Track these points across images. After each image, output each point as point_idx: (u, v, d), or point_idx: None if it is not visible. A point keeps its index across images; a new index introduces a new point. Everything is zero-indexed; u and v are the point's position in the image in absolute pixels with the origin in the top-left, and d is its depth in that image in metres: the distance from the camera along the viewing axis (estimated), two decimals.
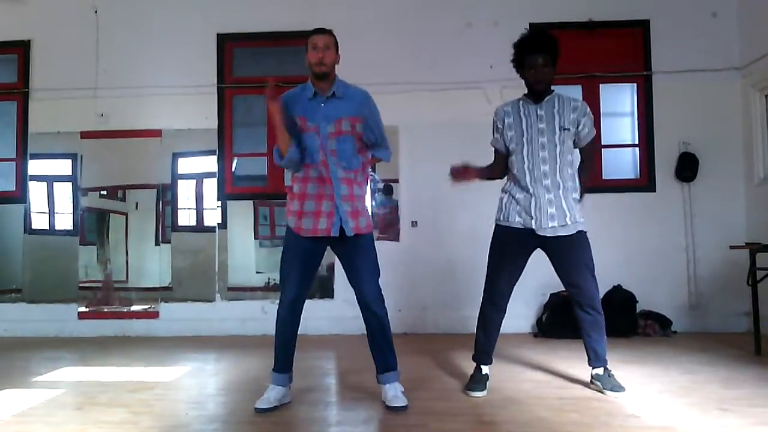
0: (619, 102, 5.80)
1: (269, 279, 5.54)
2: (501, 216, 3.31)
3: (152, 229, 5.73)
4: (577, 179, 3.27)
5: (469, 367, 3.85)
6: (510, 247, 3.26)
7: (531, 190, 3.19)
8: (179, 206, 5.78)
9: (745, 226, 5.29)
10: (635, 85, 5.60)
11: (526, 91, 3.32)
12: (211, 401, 3.28)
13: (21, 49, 5.76)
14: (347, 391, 3.34)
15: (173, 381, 3.66)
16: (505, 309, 3.34)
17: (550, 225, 3.17)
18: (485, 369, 3.38)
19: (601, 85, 5.58)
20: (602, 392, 3.20)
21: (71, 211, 5.78)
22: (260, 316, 5.44)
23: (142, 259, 5.75)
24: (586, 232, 3.28)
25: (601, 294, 5.15)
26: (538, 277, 5.26)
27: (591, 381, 3.32)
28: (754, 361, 3.98)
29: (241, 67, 5.81)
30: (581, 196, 3.29)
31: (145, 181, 5.72)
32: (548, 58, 3.20)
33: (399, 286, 5.32)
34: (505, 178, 3.39)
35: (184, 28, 5.71)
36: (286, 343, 3.11)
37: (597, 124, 5.47)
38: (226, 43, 5.71)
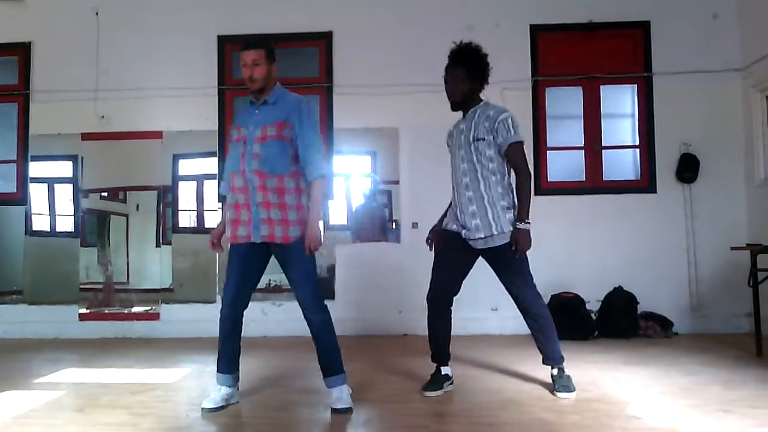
0: (620, 103, 5.80)
1: (269, 280, 5.53)
2: (444, 223, 3.40)
3: (153, 230, 5.73)
4: (512, 193, 3.27)
5: (469, 368, 3.86)
6: (452, 245, 3.29)
7: (457, 201, 3.29)
8: (180, 208, 5.78)
9: (746, 227, 5.28)
10: (636, 86, 5.60)
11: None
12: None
13: (22, 51, 5.77)
14: (351, 395, 3.33)
15: (174, 382, 3.66)
16: (448, 308, 3.39)
17: (477, 236, 3.21)
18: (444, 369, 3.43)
19: (601, 86, 5.58)
20: (553, 393, 3.24)
21: (72, 212, 5.78)
22: (260, 318, 5.44)
23: (143, 260, 5.75)
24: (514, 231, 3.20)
25: (602, 295, 5.25)
26: (538, 279, 5.22)
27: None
28: (755, 363, 3.97)
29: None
30: (518, 210, 3.20)
31: (146, 182, 5.72)
32: (461, 71, 3.26)
33: (399, 287, 5.32)
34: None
35: (184, 30, 5.71)
36: (225, 341, 3.14)
37: (597, 125, 5.54)
38: (227, 45, 5.71)
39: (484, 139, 3.19)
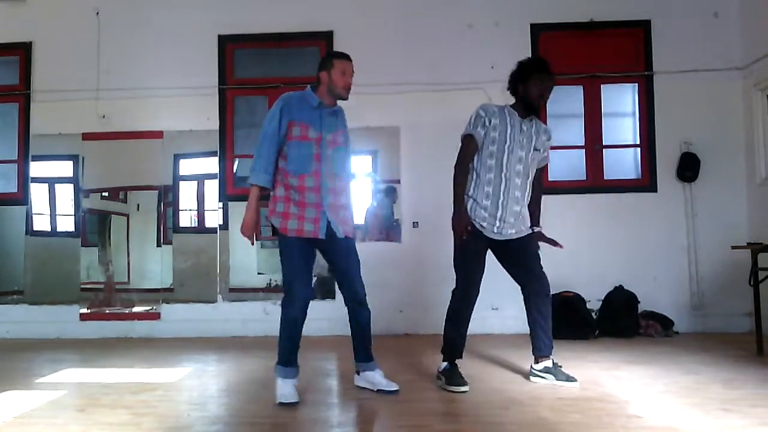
0: (621, 102, 5.80)
1: (271, 280, 5.54)
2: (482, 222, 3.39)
3: (154, 230, 5.73)
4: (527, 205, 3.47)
5: (471, 368, 3.85)
6: (478, 246, 3.39)
7: (501, 200, 3.32)
8: (181, 207, 5.79)
9: (747, 226, 5.28)
10: (636, 85, 5.60)
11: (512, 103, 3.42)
12: (213, 402, 3.28)
13: (22, 51, 5.77)
14: (349, 392, 3.34)
15: (175, 382, 3.66)
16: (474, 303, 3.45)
17: (509, 232, 3.37)
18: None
19: (602, 85, 5.59)
20: (555, 383, 3.38)
21: (73, 212, 5.79)
22: (262, 317, 5.45)
23: (144, 260, 5.76)
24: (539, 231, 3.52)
25: (603, 294, 5.24)
26: None
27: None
28: (756, 362, 3.97)
29: (243, 69, 5.81)
30: (537, 216, 3.53)
31: (147, 182, 5.72)
32: (553, 83, 3.41)
33: (400, 286, 5.33)
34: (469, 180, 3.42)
35: (185, 30, 5.71)
36: (298, 337, 3.29)
37: (598, 124, 5.56)
38: (228, 45, 5.71)
39: (539, 151, 3.41)
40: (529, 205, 3.46)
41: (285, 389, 3.14)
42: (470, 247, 3.35)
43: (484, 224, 3.34)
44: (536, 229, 3.47)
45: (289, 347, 3.21)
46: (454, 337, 3.43)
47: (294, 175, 3.12)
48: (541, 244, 3.47)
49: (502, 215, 3.33)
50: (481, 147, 3.34)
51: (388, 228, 5.59)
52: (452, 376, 3.35)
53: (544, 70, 3.35)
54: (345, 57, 3.27)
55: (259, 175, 3.12)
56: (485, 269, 3.40)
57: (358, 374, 3.40)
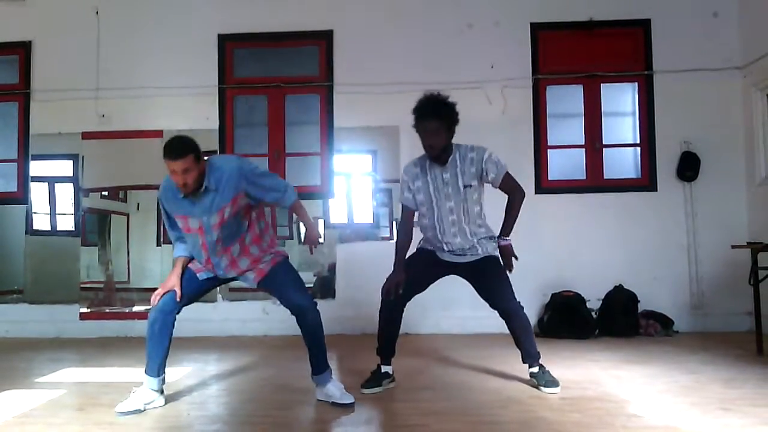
0: (621, 101, 5.79)
1: None
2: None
3: (154, 229, 5.73)
4: (486, 221, 3.45)
5: (470, 367, 3.85)
6: (425, 259, 3.46)
7: (438, 235, 3.38)
8: None
9: (747, 226, 5.28)
10: (636, 84, 5.60)
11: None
12: (212, 402, 3.28)
13: (22, 50, 5.76)
14: (348, 392, 3.33)
15: (175, 381, 3.66)
16: (402, 310, 3.50)
17: (457, 256, 3.39)
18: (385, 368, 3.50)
19: (602, 84, 5.58)
20: (538, 389, 3.33)
21: (73, 211, 5.79)
22: (261, 317, 5.45)
23: (144, 259, 5.75)
24: (497, 257, 3.42)
25: (603, 293, 5.24)
26: (539, 278, 5.29)
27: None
28: (756, 361, 3.97)
29: (242, 68, 5.80)
30: (506, 233, 3.38)
31: (147, 181, 5.70)
32: (440, 124, 3.21)
33: None
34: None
35: (185, 29, 5.71)
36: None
37: (597, 123, 5.54)
38: (227, 44, 5.71)
39: (471, 186, 3.31)
40: (505, 216, 3.39)
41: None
42: (418, 261, 3.44)
43: (432, 248, 3.44)
44: (501, 242, 3.36)
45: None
46: (380, 337, 3.50)
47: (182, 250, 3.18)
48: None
49: (443, 243, 3.38)
50: (416, 205, 3.42)
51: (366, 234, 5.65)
52: (369, 378, 3.41)
53: (423, 113, 3.22)
54: (169, 154, 2.83)
55: (177, 248, 3.18)
56: (414, 296, 3.45)
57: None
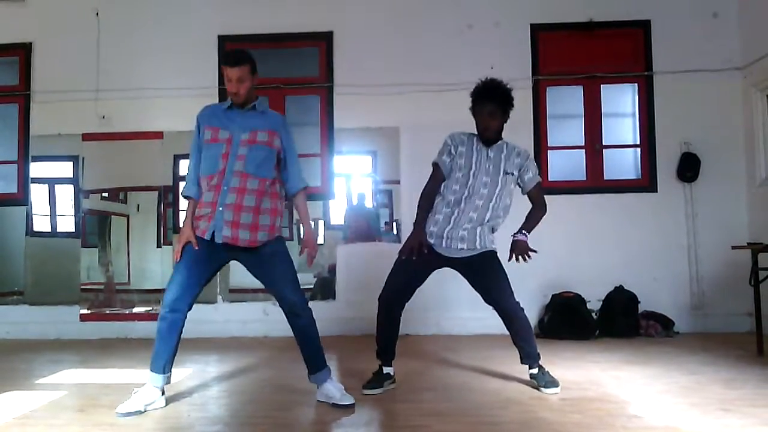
0: (621, 102, 5.80)
1: None
2: (440, 240, 3.35)
3: (154, 231, 5.73)
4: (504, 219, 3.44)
5: (471, 368, 3.85)
6: (419, 266, 3.36)
7: (454, 215, 3.31)
8: (181, 208, 5.77)
9: (747, 227, 5.28)
10: (636, 85, 5.61)
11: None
12: (213, 403, 3.28)
13: (22, 52, 5.77)
14: (349, 393, 3.33)
15: (175, 383, 3.64)
16: (400, 311, 3.45)
17: (458, 247, 3.32)
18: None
19: (602, 85, 5.58)
20: (538, 390, 3.31)
21: (73, 213, 5.79)
22: (262, 318, 5.45)
23: (144, 261, 5.76)
24: (495, 252, 3.40)
25: (603, 294, 5.24)
26: (539, 279, 5.29)
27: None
28: (756, 362, 3.97)
29: None
30: (527, 230, 3.37)
31: (147, 183, 5.72)
32: (498, 107, 3.27)
33: None
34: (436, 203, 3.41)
35: (185, 30, 5.71)
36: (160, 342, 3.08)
37: (597, 124, 5.55)
38: (227, 45, 5.70)
39: (513, 174, 3.37)
40: (527, 217, 3.42)
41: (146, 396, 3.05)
42: (411, 264, 3.34)
43: (432, 240, 3.34)
44: (518, 236, 3.32)
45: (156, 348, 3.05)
46: (379, 340, 3.48)
47: (204, 177, 3.04)
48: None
49: (449, 232, 3.30)
50: (449, 173, 3.37)
51: (372, 230, 5.64)
52: (371, 379, 3.40)
53: (483, 96, 3.28)
54: (228, 61, 2.98)
55: (188, 187, 3.10)
56: (414, 292, 3.42)
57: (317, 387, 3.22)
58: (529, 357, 3.40)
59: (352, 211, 5.72)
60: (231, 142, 3.00)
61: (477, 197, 3.30)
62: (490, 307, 3.40)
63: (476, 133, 3.37)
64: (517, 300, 3.36)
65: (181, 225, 3.14)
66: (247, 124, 3.04)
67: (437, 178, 3.41)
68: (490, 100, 3.26)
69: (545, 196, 3.50)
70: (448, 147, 3.39)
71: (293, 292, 3.11)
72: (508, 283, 3.35)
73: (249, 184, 2.98)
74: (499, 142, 3.38)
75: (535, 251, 3.28)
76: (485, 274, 3.35)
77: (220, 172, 2.98)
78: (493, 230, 3.40)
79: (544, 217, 3.45)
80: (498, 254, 3.39)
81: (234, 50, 3.10)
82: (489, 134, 3.30)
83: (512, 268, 3.39)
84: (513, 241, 3.32)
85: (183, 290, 3.00)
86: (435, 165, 3.43)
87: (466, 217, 3.30)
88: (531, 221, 3.40)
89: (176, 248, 3.06)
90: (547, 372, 3.37)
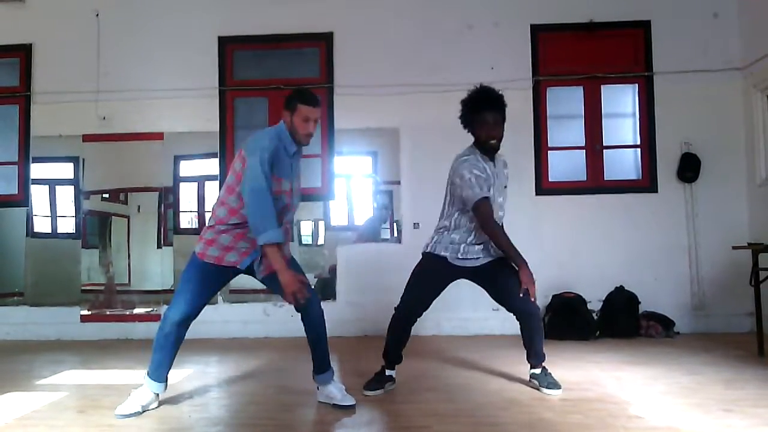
0: (621, 103, 5.79)
1: None
2: (456, 254, 3.34)
3: (154, 231, 5.73)
4: None
5: (472, 369, 3.85)
6: (438, 276, 3.41)
7: (470, 241, 3.32)
8: (181, 209, 5.79)
9: (748, 227, 5.28)
10: (636, 85, 5.60)
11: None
12: (214, 404, 3.28)
13: (23, 53, 5.77)
14: (349, 393, 3.33)
15: (176, 383, 3.65)
16: (414, 323, 3.50)
17: (475, 257, 3.36)
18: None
19: (602, 86, 5.58)
20: (539, 390, 3.32)
21: (73, 214, 5.79)
22: (262, 319, 5.45)
23: (144, 262, 5.76)
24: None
25: (604, 295, 5.24)
26: (540, 280, 5.24)
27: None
28: (757, 362, 3.97)
29: (243, 70, 5.81)
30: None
31: (147, 183, 5.72)
32: (501, 116, 3.26)
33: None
34: (452, 221, 3.36)
35: (185, 31, 5.71)
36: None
37: (598, 124, 5.55)
38: (227, 46, 5.71)
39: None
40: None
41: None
42: (431, 274, 3.37)
43: (447, 253, 3.33)
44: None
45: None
46: (391, 347, 3.49)
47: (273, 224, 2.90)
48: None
49: (467, 247, 3.32)
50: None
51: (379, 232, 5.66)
52: (372, 380, 3.41)
53: (483, 105, 3.21)
54: (310, 101, 2.98)
55: (274, 232, 2.85)
56: (434, 302, 3.45)
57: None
58: (537, 356, 3.39)
59: (371, 218, 5.76)
60: (291, 194, 3.04)
61: (500, 215, 3.36)
62: (491, 308, 3.40)
63: (473, 149, 3.31)
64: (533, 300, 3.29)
65: (214, 243, 3.03)
66: (296, 168, 3.10)
67: (490, 210, 3.22)
68: (491, 109, 3.22)
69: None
70: (481, 177, 3.22)
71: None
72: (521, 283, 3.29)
73: (290, 223, 3.13)
74: (497, 155, 3.36)
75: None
76: (502, 279, 3.31)
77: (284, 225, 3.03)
78: None
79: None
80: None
81: (308, 90, 3.08)
82: (496, 144, 3.26)
83: None
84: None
85: (192, 309, 3.05)
86: (486, 199, 3.21)
87: (482, 236, 3.30)
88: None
89: (303, 292, 2.91)
90: (550, 373, 3.37)
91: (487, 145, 3.26)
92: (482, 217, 3.20)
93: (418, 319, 3.48)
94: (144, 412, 3.00)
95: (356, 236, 5.68)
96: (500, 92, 3.30)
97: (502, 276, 3.32)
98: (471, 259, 3.33)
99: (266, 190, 2.83)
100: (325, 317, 3.22)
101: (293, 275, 2.88)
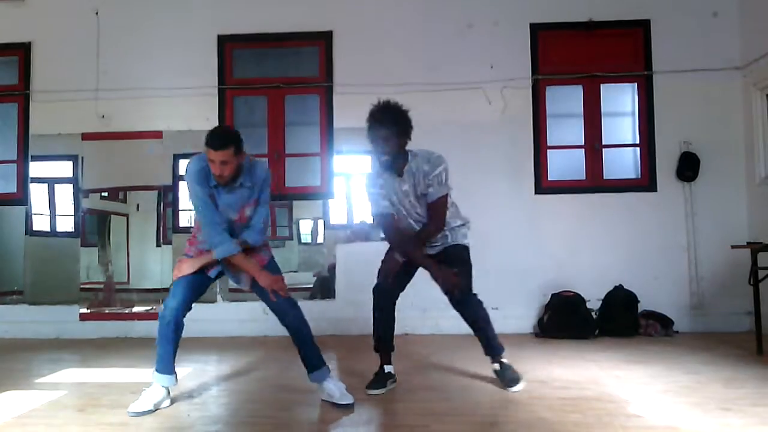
0: (620, 102, 5.79)
1: None
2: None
3: (153, 230, 5.73)
4: (459, 211, 3.49)
5: (471, 367, 3.85)
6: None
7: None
8: (180, 208, 5.78)
9: (747, 226, 5.28)
10: (636, 84, 5.60)
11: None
12: (213, 402, 3.28)
13: (22, 51, 5.76)
14: (350, 392, 3.33)
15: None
16: (394, 303, 3.53)
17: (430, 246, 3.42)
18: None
19: (602, 85, 5.58)
20: (505, 389, 3.32)
21: (72, 212, 5.79)
22: (261, 317, 5.41)
23: (144, 260, 5.76)
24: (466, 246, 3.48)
25: (603, 294, 5.24)
26: (539, 278, 5.29)
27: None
28: (756, 361, 3.97)
29: (242, 69, 5.80)
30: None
31: (146, 182, 5.72)
32: (391, 130, 3.25)
33: None
34: None
35: (184, 30, 5.71)
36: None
37: (597, 123, 5.55)
38: (227, 45, 5.71)
39: (425, 195, 3.32)
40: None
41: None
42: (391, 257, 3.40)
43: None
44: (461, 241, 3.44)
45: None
46: (377, 337, 3.49)
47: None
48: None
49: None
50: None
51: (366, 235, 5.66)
52: (374, 379, 3.39)
53: (371, 121, 3.28)
54: (213, 144, 2.88)
55: (227, 246, 3.04)
56: (404, 287, 3.52)
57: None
58: (492, 348, 3.41)
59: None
60: (238, 222, 3.11)
61: (414, 223, 3.38)
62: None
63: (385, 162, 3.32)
64: (475, 294, 3.35)
65: (192, 250, 3.22)
66: (235, 203, 3.07)
67: (391, 224, 3.37)
68: (380, 125, 3.23)
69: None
70: (377, 194, 3.35)
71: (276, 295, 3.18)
72: (470, 276, 3.37)
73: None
74: (407, 163, 3.32)
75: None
76: (448, 265, 3.31)
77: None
78: (463, 226, 3.45)
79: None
80: (468, 248, 3.43)
81: (218, 132, 2.98)
82: (388, 159, 3.26)
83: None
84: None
85: (189, 296, 3.12)
86: (380, 215, 3.37)
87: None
88: (422, 239, 3.36)
89: (175, 273, 3.16)
90: (510, 366, 3.35)
91: (381, 161, 3.29)
92: (383, 231, 3.45)
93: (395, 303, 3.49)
94: (156, 410, 3.00)
95: (349, 234, 5.67)
96: (399, 107, 3.32)
97: (450, 262, 3.33)
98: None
99: (207, 207, 3.00)
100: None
101: (267, 273, 3.09)
